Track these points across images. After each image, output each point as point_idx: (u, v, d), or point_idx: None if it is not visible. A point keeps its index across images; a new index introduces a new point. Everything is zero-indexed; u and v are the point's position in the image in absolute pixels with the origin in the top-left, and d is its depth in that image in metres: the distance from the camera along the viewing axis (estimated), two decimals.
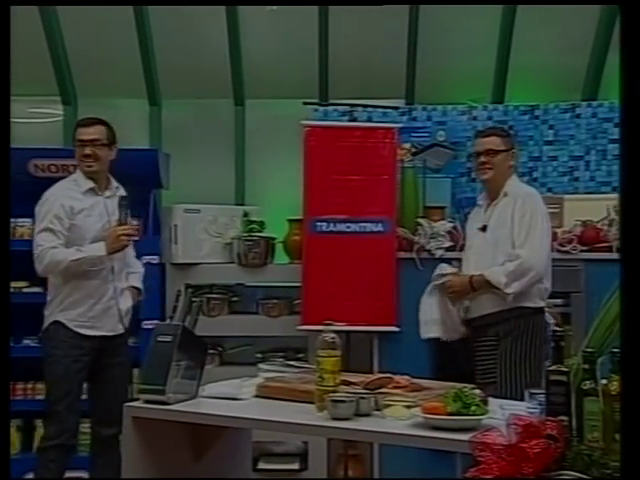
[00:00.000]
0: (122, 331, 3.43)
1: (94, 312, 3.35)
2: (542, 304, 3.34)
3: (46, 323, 3.38)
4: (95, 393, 3.48)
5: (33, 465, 3.91)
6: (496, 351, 3.30)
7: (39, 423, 4.11)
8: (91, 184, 3.42)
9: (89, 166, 3.40)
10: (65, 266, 3.30)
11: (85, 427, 3.97)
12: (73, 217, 3.35)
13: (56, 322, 3.35)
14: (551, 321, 3.35)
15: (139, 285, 3.55)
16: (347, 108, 4.46)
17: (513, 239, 3.30)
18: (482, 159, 3.42)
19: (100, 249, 3.30)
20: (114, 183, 3.51)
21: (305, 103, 4.44)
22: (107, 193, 3.46)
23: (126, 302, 3.46)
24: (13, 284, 4.12)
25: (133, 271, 3.56)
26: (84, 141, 3.39)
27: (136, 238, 3.55)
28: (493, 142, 3.43)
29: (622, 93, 1.83)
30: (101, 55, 4.86)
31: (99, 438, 3.44)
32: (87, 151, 3.38)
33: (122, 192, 3.49)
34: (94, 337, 3.35)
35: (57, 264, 3.31)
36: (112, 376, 3.42)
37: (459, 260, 3.68)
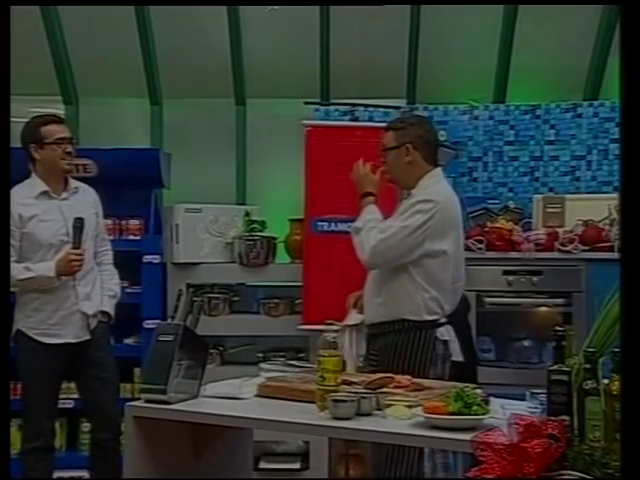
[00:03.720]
0: (88, 337, 3.29)
1: (55, 319, 3.24)
2: (429, 317, 2.92)
3: (13, 330, 3.28)
4: (83, 397, 3.44)
5: None
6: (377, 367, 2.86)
7: None
8: (44, 187, 3.27)
9: (69, 164, 3.30)
10: (12, 283, 3.18)
11: (85, 427, 3.98)
12: (23, 225, 3.21)
13: (18, 331, 3.27)
14: (444, 337, 2.94)
15: (109, 309, 3.37)
16: (348, 108, 4.46)
17: None
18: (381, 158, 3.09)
19: (49, 269, 3.17)
20: (72, 184, 3.36)
21: (306, 102, 4.44)
22: (63, 195, 3.32)
23: (92, 306, 3.31)
24: None
25: (109, 292, 3.39)
26: (65, 139, 3.27)
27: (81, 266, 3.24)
28: (385, 138, 3.06)
29: (622, 93, 1.82)
30: (102, 55, 4.86)
31: (95, 441, 3.42)
32: (70, 149, 3.27)
33: (81, 192, 3.36)
34: (56, 345, 3.25)
35: None
36: (94, 382, 3.33)
37: None
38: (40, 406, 3.29)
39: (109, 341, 3.46)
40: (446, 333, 2.95)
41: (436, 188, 3.02)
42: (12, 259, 3.18)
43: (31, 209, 3.23)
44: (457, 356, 2.99)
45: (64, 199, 3.31)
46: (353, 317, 3.22)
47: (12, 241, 3.18)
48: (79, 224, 3.21)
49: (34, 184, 3.30)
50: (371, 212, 3.07)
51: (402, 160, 3.02)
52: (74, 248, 3.20)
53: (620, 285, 1.76)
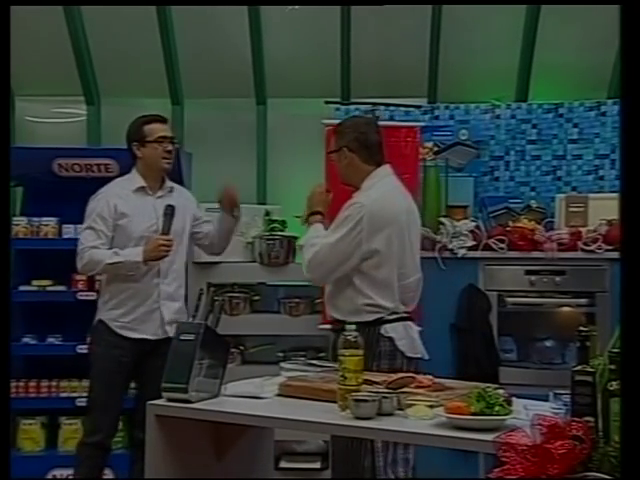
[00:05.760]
0: (165, 336, 3.28)
1: (136, 314, 3.29)
2: (370, 318, 2.93)
3: (94, 321, 3.36)
4: (137, 395, 3.42)
5: (57, 462, 3.95)
6: None
7: (63, 420, 4.15)
8: (142, 182, 3.34)
9: (169, 163, 3.36)
10: (102, 268, 3.27)
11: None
12: (118, 217, 3.28)
13: (100, 321, 3.33)
14: (389, 334, 2.95)
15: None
16: (369, 107, 4.45)
17: None
18: None
19: (137, 255, 3.23)
20: (168, 183, 3.43)
21: (327, 102, 4.44)
22: (159, 193, 3.39)
23: (171, 308, 3.34)
24: (37, 282, 4.17)
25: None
26: (167, 137, 3.34)
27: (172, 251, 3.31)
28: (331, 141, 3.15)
29: (622, 93, 1.79)
30: (124, 55, 4.89)
31: (135, 441, 3.34)
32: (170, 148, 3.34)
33: (176, 193, 3.42)
34: (135, 339, 3.29)
35: (95, 264, 3.27)
36: (154, 380, 3.29)
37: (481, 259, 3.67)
38: (103, 402, 3.28)
39: None
40: (392, 330, 2.95)
41: (370, 190, 3.02)
42: (104, 247, 3.27)
43: (126, 203, 3.31)
44: (412, 353, 2.99)
45: (159, 197, 3.38)
46: None
47: (106, 230, 3.27)
48: (169, 211, 3.27)
49: (133, 179, 3.38)
50: (315, 230, 3.09)
51: (342, 163, 3.08)
52: (163, 234, 3.24)
53: (620, 285, 1.75)
